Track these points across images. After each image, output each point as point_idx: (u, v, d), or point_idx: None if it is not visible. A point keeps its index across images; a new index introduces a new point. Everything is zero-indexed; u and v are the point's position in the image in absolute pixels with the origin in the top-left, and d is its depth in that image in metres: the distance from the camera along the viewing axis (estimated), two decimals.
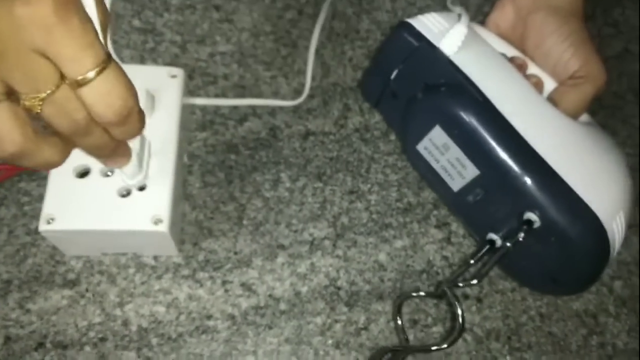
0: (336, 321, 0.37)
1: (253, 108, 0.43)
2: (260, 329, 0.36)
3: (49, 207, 0.32)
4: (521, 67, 0.38)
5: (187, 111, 0.40)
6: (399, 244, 0.40)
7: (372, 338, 0.37)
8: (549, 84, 0.38)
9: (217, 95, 0.43)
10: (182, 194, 0.39)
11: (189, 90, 0.43)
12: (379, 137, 0.43)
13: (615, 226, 0.33)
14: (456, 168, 0.36)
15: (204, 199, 0.39)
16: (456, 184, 0.36)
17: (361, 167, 0.42)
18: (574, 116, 0.36)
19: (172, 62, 0.44)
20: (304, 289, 0.37)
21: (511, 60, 0.38)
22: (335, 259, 0.39)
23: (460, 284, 0.35)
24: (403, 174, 0.42)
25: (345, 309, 0.37)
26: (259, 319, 0.36)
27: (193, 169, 0.40)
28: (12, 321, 0.34)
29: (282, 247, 0.39)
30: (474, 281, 0.35)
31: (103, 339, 0.35)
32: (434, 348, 0.35)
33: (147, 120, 0.35)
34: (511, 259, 0.35)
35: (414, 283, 0.39)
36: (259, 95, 0.44)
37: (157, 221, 0.32)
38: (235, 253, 0.38)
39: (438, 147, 0.36)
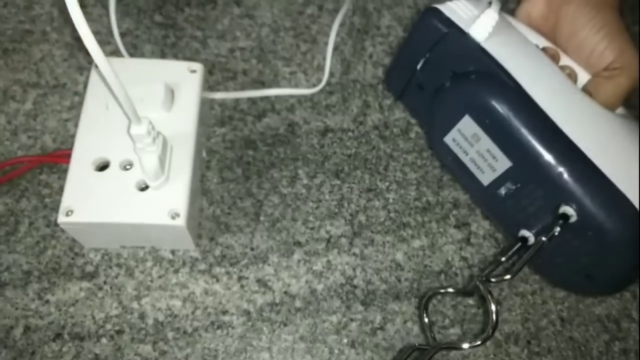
0: (352, 320, 0.37)
1: (272, 104, 0.43)
2: (275, 326, 0.36)
3: (68, 199, 0.32)
4: (553, 58, 0.36)
5: (206, 106, 0.40)
6: (416, 243, 0.39)
7: (388, 338, 0.36)
8: (582, 76, 0.37)
9: (236, 91, 0.43)
10: (200, 189, 0.39)
11: (209, 85, 0.43)
12: (398, 135, 0.43)
13: None
14: (487, 160, 0.34)
15: (221, 195, 0.39)
16: (486, 178, 0.35)
17: (380, 164, 0.42)
18: (610, 108, 0.34)
19: (192, 57, 0.44)
20: (320, 287, 0.37)
21: (543, 50, 0.37)
22: (352, 257, 0.38)
23: (493, 280, 0.34)
24: (422, 172, 0.42)
25: (361, 308, 0.37)
26: (274, 316, 0.36)
27: (211, 164, 0.40)
28: (31, 311, 0.35)
29: (298, 244, 0.38)
30: (507, 276, 0.33)
31: (120, 332, 0.35)
32: (465, 346, 0.33)
33: (166, 114, 0.35)
34: (544, 256, 0.34)
35: (431, 283, 0.38)
36: None
37: (175, 215, 0.32)
38: (252, 249, 0.38)
39: (467, 138, 0.35)
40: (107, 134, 0.34)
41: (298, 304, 0.37)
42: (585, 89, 0.35)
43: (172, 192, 0.33)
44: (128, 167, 0.34)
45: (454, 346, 0.35)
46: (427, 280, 0.38)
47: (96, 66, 0.36)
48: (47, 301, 0.35)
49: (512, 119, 0.32)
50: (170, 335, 0.35)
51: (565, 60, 0.37)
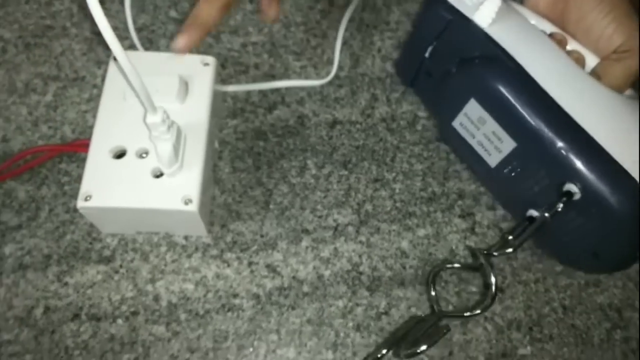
0: (357, 305, 0.38)
1: (282, 96, 0.44)
2: (284, 309, 0.37)
3: (86, 185, 0.34)
4: (561, 43, 0.37)
5: (219, 99, 0.41)
6: (422, 232, 0.40)
7: (392, 323, 0.37)
8: (591, 60, 0.37)
9: (247, 83, 0.44)
10: (212, 178, 0.40)
11: (222, 79, 0.44)
12: (405, 127, 0.44)
13: None
14: (493, 142, 0.35)
15: (232, 184, 0.41)
16: (493, 160, 0.36)
17: (386, 156, 0.43)
18: (618, 90, 0.35)
19: (206, 52, 0.45)
20: (327, 273, 0.38)
21: (550, 36, 0.37)
22: (358, 245, 0.39)
23: (495, 253, 0.35)
24: (428, 163, 0.43)
25: (366, 294, 0.38)
26: (283, 300, 0.37)
27: (223, 154, 0.42)
28: (50, 293, 0.37)
29: (306, 231, 0.40)
30: (509, 250, 0.35)
31: (135, 313, 0.36)
32: (467, 314, 0.35)
33: (180, 106, 0.37)
34: (551, 235, 0.35)
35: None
36: None
37: (187, 201, 0.34)
38: (262, 236, 0.39)
39: (473, 122, 0.36)
40: (124, 124, 0.36)
41: (306, 288, 0.38)
42: (594, 72, 0.36)
43: (186, 179, 0.35)
44: (144, 155, 0.35)
45: (455, 314, 0.36)
46: (431, 268, 0.39)
47: (114, 59, 0.37)
48: (66, 283, 0.37)
49: (515, 101, 0.33)
50: (182, 316, 0.36)
51: (573, 45, 0.38)
